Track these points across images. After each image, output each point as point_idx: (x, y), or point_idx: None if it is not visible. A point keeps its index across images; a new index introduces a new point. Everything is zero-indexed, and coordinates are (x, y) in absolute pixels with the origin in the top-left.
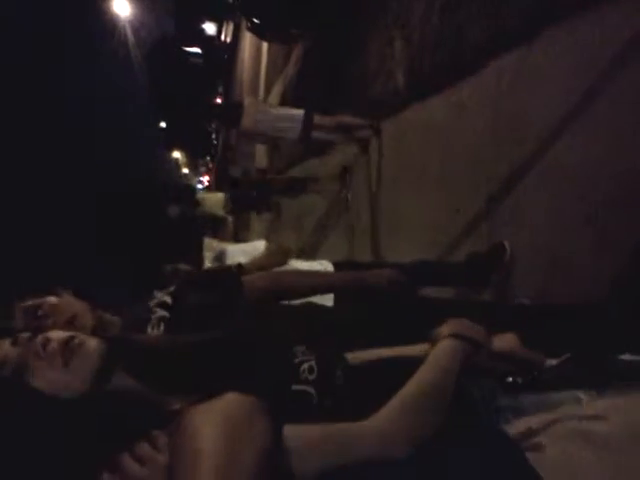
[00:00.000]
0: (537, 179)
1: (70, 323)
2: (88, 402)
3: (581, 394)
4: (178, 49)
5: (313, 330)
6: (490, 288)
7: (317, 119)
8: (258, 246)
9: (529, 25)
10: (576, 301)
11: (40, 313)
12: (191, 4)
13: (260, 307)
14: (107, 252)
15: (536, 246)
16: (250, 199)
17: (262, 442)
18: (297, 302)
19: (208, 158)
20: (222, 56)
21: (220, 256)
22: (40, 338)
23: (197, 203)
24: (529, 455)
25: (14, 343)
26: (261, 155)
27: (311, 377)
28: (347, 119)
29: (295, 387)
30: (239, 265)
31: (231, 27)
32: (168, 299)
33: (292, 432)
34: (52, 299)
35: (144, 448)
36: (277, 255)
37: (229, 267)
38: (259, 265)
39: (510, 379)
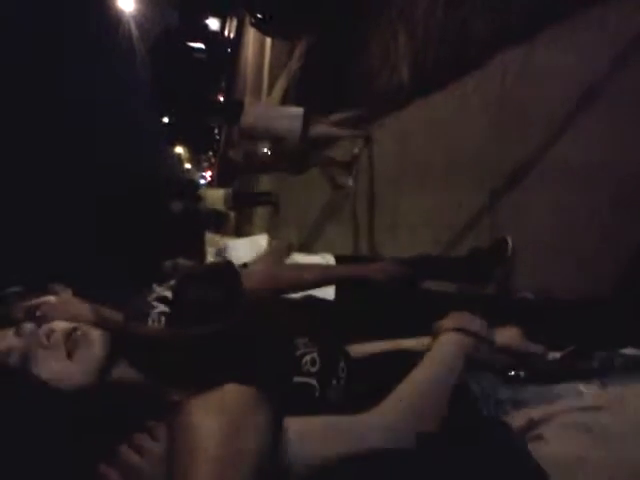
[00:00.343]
0: (540, 174)
1: (74, 319)
2: (90, 393)
3: (582, 387)
4: (181, 44)
5: (314, 323)
6: (493, 283)
7: (316, 119)
8: (260, 240)
9: (532, 21)
10: (578, 296)
11: (38, 314)
12: None
13: (261, 301)
14: (108, 247)
15: (539, 241)
16: (251, 195)
17: (262, 433)
18: (298, 295)
19: (210, 153)
20: (225, 52)
21: (222, 251)
22: (44, 329)
23: (199, 198)
24: (530, 446)
25: (17, 333)
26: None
27: (313, 369)
28: (343, 116)
29: (297, 379)
30: (244, 265)
31: (235, 23)
32: (168, 294)
33: (293, 424)
34: (51, 299)
35: (143, 439)
36: (281, 251)
37: (228, 262)
38: (264, 262)
39: (512, 372)
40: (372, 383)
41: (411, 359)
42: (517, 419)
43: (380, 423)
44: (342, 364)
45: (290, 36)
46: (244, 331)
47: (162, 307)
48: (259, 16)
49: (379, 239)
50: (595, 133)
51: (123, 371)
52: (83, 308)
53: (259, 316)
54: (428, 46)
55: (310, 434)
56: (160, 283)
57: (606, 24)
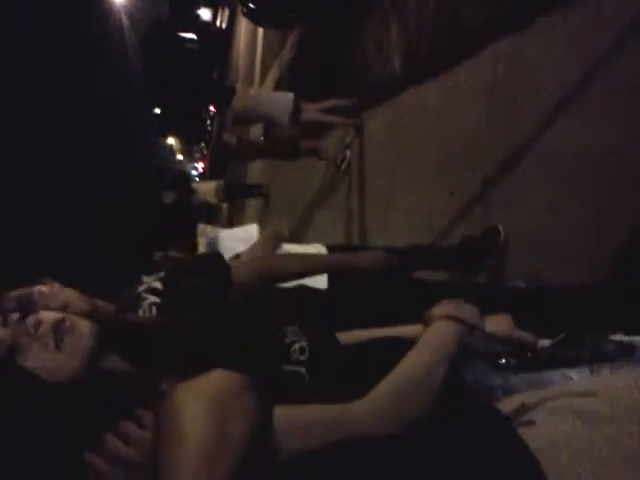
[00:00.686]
0: (532, 163)
1: (63, 309)
2: (78, 383)
3: (572, 373)
4: (173, 34)
5: (305, 311)
6: (484, 272)
7: (307, 104)
8: (251, 231)
9: (524, 10)
10: (569, 283)
11: (26, 304)
12: None
13: (250, 291)
14: (99, 239)
15: (531, 229)
16: (242, 187)
17: (249, 419)
18: (290, 285)
19: (203, 144)
20: (217, 42)
21: (213, 242)
22: (31, 319)
23: (192, 191)
24: (521, 431)
25: (4, 324)
26: (257, 129)
27: (302, 357)
28: (334, 103)
29: (286, 367)
30: (237, 256)
31: (226, 13)
32: (158, 285)
33: (282, 412)
34: (41, 288)
35: (129, 427)
36: (272, 242)
37: (217, 253)
38: (255, 253)
39: (503, 360)
40: (363, 371)
41: (402, 347)
42: (508, 405)
43: (370, 411)
44: (332, 352)
45: (282, 26)
46: (232, 319)
47: (153, 298)
48: (251, 6)
49: (371, 228)
50: (587, 122)
51: (112, 361)
52: (73, 297)
53: (248, 305)
54: (420, 36)
55: (300, 423)
56: (148, 274)
57: (598, 12)
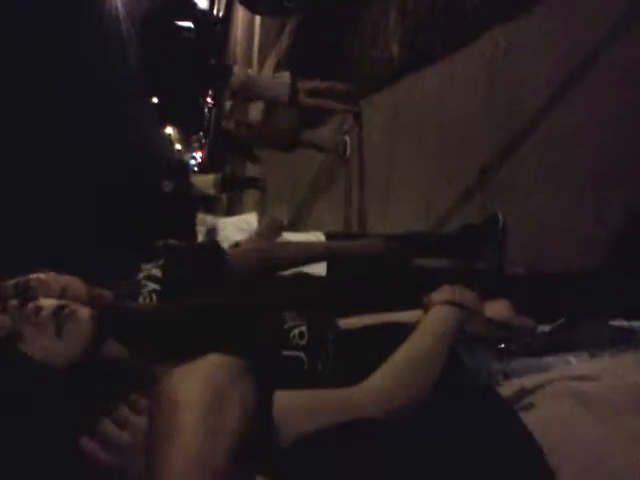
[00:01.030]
0: (531, 150)
1: (62, 296)
2: (77, 369)
3: (572, 358)
4: (170, 23)
5: (304, 297)
6: (483, 259)
7: (304, 83)
8: (250, 219)
9: None
10: (568, 269)
11: (26, 290)
12: None
13: (249, 277)
14: (99, 228)
15: (529, 216)
16: (239, 180)
17: (245, 404)
18: (289, 272)
19: (201, 134)
20: (215, 30)
21: (212, 230)
22: (31, 306)
23: (191, 185)
24: (521, 414)
25: (3, 310)
26: (256, 109)
27: (302, 342)
28: (332, 84)
29: (286, 352)
30: (236, 244)
31: (223, 1)
32: (158, 272)
33: (284, 397)
34: (39, 275)
35: (123, 412)
36: (271, 230)
37: (215, 241)
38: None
39: (503, 345)
40: (362, 356)
41: (402, 332)
42: (508, 389)
43: (371, 394)
44: (331, 337)
45: (279, 14)
46: (231, 305)
47: (153, 285)
48: None
49: (370, 215)
50: (586, 107)
51: (111, 347)
52: (72, 283)
53: (247, 291)
54: (418, 22)
55: (298, 408)
56: (148, 262)
57: None
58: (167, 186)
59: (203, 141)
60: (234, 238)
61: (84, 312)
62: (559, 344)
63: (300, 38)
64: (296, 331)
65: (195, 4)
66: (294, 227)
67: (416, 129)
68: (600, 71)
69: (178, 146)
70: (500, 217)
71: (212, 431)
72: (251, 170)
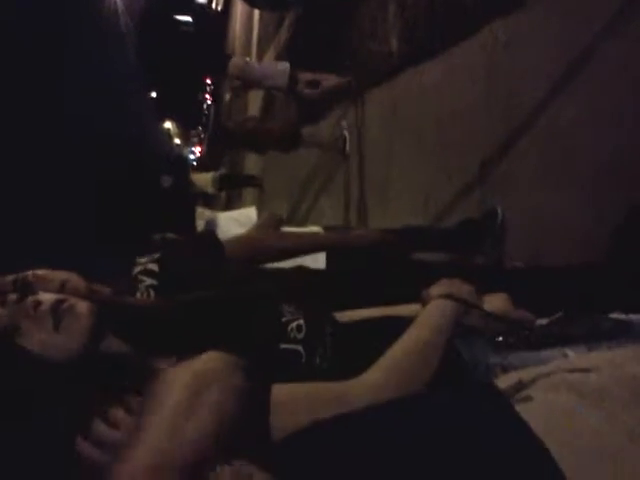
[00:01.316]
0: (530, 144)
1: (61, 291)
2: (76, 364)
3: (569, 351)
4: (168, 17)
5: (302, 291)
6: (482, 254)
7: (304, 73)
8: (249, 214)
9: None
10: (567, 262)
11: (24, 284)
12: None
13: (246, 269)
14: (98, 222)
15: (528, 211)
16: (237, 178)
17: (228, 390)
18: (288, 264)
19: (200, 128)
20: (213, 24)
21: (211, 225)
22: (30, 300)
23: (190, 183)
24: (518, 407)
25: (2, 304)
26: (255, 104)
27: (300, 336)
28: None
29: (284, 346)
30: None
31: None
32: (154, 267)
33: (282, 390)
34: (39, 271)
35: (117, 412)
36: (270, 225)
37: (211, 232)
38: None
39: (501, 338)
40: (360, 350)
41: (400, 326)
42: (505, 382)
43: (369, 387)
44: (329, 331)
45: (278, 8)
46: (229, 299)
47: (149, 280)
48: None
49: (369, 210)
50: (586, 101)
51: (110, 343)
52: (70, 278)
53: (244, 284)
54: (417, 16)
55: (296, 401)
56: (143, 256)
57: None
58: (166, 181)
59: (202, 136)
60: (233, 232)
61: (83, 306)
62: (557, 337)
63: (299, 32)
64: (294, 324)
65: None
66: (293, 222)
67: (415, 124)
68: (600, 64)
69: (177, 140)
70: (499, 212)
71: (187, 413)
72: (250, 165)
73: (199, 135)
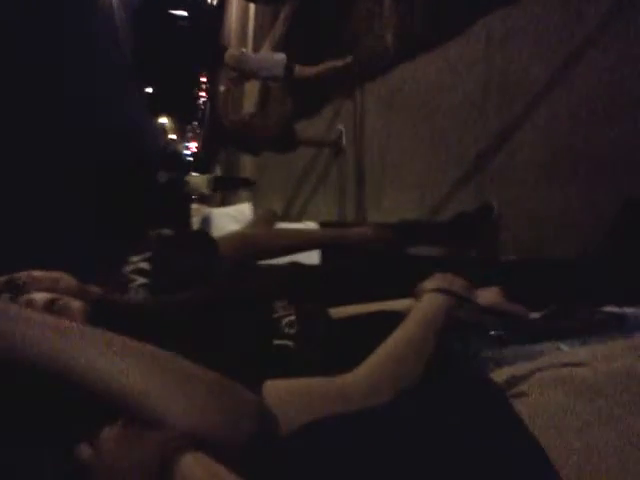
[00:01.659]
0: (524, 138)
1: (54, 290)
2: None
3: (563, 345)
4: (164, 12)
5: (296, 286)
6: (477, 248)
7: (302, 69)
8: (244, 209)
9: None
10: (560, 256)
11: (20, 282)
12: None
13: (240, 267)
14: (94, 217)
15: (524, 204)
16: (231, 180)
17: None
18: (282, 260)
19: (195, 124)
20: (209, 19)
21: (206, 220)
22: (24, 299)
23: (185, 184)
24: (512, 402)
25: None
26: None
27: (292, 331)
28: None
29: (276, 342)
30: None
31: None
32: (145, 265)
33: (273, 387)
34: (32, 271)
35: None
36: (265, 221)
37: (203, 230)
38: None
39: (494, 332)
40: (353, 345)
41: (393, 321)
42: (498, 377)
43: (363, 382)
44: (322, 326)
45: (273, 2)
46: (220, 296)
47: (141, 279)
48: None
49: (365, 205)
50: (581, 94)
51: None
52: (62, 278)
53: (236, 281)
54: (414, 10)
55: (290, 396)
56: (135, 254)
57: None
58: (162, 177)
59: (198, 131)
60: (228, 228)
61: (76, 305)
62: (550, 331)
63: (294, 26)
64: (286, 320)
65: None
66: (289, 218)
67: (411, 117)
68: (596, 59)
69: (173, 136)
70: (494, 205)
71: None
72: (246, 160)
73: (195, 130)
